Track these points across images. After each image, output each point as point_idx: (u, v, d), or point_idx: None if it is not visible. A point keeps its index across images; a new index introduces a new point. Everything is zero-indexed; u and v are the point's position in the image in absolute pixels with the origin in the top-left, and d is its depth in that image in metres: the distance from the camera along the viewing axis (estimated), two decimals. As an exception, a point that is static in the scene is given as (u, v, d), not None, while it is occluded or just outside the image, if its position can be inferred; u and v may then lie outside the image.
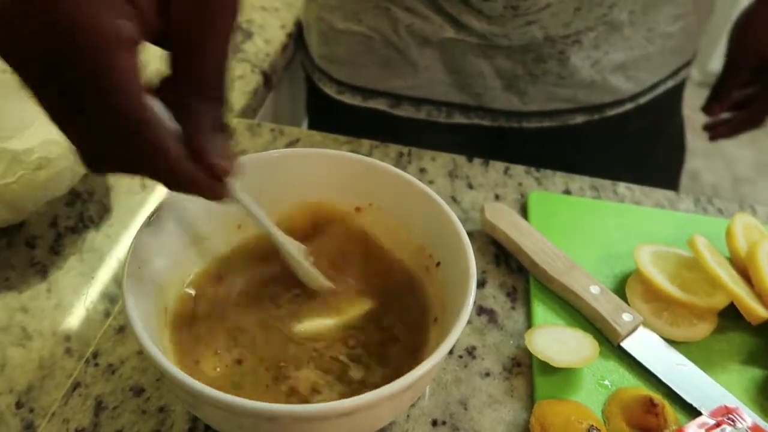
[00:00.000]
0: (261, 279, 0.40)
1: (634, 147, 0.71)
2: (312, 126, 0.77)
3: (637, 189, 0.59)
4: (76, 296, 0.46)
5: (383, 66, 0.64)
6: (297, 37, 0.76)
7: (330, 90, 0.68)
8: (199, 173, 0.30)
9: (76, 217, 0.51)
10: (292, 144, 0.60)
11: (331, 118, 0.71)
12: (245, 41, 0.73)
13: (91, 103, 0.27)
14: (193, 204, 0.39)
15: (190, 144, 0.30)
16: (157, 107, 0.29)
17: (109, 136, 0.28)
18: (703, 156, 2.07)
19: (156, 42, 0.29)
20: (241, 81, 0.67)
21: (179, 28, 0.29)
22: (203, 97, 0.30)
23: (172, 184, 0.31)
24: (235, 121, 0.62)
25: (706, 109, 0.71)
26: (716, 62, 2.23)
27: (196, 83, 0.30)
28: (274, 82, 0.72)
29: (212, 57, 0.30)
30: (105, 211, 0.52)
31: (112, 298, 0.46)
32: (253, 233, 0.42)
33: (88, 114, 0.27)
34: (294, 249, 0.39)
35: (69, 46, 0.26)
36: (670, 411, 0.40)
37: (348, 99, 0.67)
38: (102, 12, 0.26)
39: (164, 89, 0.30)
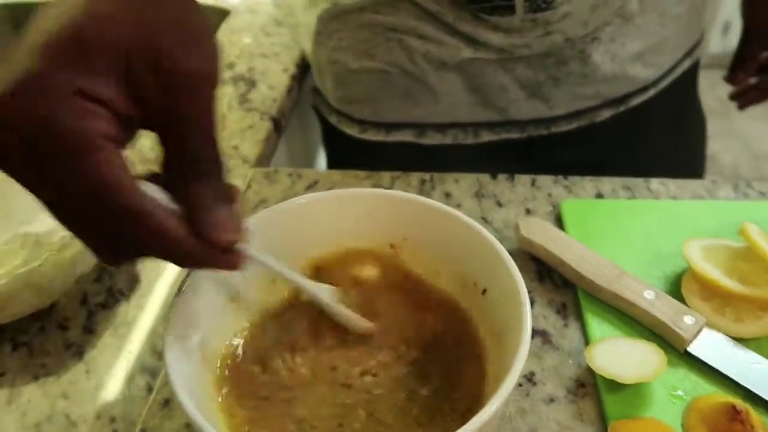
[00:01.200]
0: (307, 332, 0.39)
1: (660, 134, 0.70)
2: (334, 167, 0.76)
3: (672, 183, 0.57)
4: (116, 374, 0.44)
5: (404, 97, 0.63)
6: (299, 77, 0.76)
7: (352, 130, 0.67)
8: (207, 249, 0.30)
9: (105, 292, 0.50)
10: (311, 186, 0.59)
11: (354, 157, 0.69)
12: (250, 90, 0.72)
13: (85, 205, 0.27)
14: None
15: (193, 222, 0.29)
16: (154, 191, 0.29)
17: (110, 231, 0.28)
18: (718, 137, 2.04)
19: (141, 126, 0.29)
20: (252, 130, 0.67)
21: (156, 113, 0.28)
22: (198, 174, 0.30)
23: (184, 264, 0.31)
24: (251, 172, 0.61)
25: (730, 78, 0.71)
26: (714, 44, 2.23)
27: (186, 164, 0.29)
28: (284, 126, 0.71)
29: (197, 135, 0.29)
30: (134, 281, 0.51)
31: (152, 371, 0.44)
32: (289, 285, 0.40)
33: (87, 215, 0.28)
34: (326, 295, 0.38)
35: (46, 157, 0.26)
36: (755, 415, 0.37)
37: (372, 136, 0.66)
38: (70, 119, 0.25)
39: (161, 171, 0.30)
